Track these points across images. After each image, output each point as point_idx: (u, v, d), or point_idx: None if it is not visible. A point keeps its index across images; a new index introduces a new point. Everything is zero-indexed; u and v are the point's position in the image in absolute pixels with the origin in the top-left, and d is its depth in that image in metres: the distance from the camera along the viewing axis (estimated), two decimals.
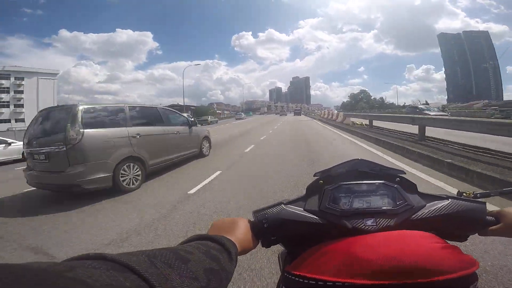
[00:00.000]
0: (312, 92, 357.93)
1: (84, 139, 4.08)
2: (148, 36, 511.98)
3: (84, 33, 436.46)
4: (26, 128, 4.91)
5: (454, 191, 0.90)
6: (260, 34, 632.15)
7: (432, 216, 0.60)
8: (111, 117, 4.75)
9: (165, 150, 5.73)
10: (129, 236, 2.86)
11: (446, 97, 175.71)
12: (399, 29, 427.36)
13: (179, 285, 0.33)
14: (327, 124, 20.13)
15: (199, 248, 0.43)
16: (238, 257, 0.51)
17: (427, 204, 0.62)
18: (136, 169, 4.78)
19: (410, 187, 0.66)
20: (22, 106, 58.84)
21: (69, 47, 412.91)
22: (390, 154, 6.85)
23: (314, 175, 0.72)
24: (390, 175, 0.68)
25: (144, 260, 0.32)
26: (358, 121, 16.70)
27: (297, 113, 65.19)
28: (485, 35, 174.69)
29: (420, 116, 9.62)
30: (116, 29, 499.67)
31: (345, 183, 0.66)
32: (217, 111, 79.99)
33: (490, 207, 0.62)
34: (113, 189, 4.38)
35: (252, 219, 0.65)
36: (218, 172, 5.65)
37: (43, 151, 4.25)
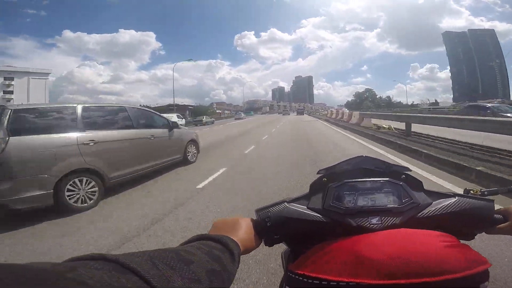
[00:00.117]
0: (315, 92, 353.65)
1: (9, 149, 3.19)
2: (151, 36, 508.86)
3: (87, 34, 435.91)
4: None
5: None
6: (263, 33, 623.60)
7: (438, 214, 0.58)
8: (55, 120, 3.79)
9: (135, 159, 4.69)
10: None
11: (452, 96, 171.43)
12: (402, 28, 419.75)
13: (180, 286, 0.32)
14: (338, 126, 16.00)
15: (201, 248, 0.42)
16: (240, 256, 0.50)
17: (434, 202, 0.60)
18: (91, 184, 3.81)
19: (416, 184, 0.63)
20: None
21: (72, 47, 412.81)
22: None
23: (318, 173, 0.69)
24: (396, 172, 0.66)
25: (146, 261, 0.31)
26: (382, 123, 12.49)
27: (300, 112, 62.91)
28: (490, 33, 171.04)
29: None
30: (119, 30, 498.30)
31: (349, 180, 0.63)
32: (217, 111, 76.26)
33: (498, 205, 0.60)
34: (60, 208, 3.47)
35: (254, 218, 0.63)
36: (203, 184, 4.59)
37: None
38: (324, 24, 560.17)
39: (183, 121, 28.39)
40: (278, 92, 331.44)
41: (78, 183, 3.67)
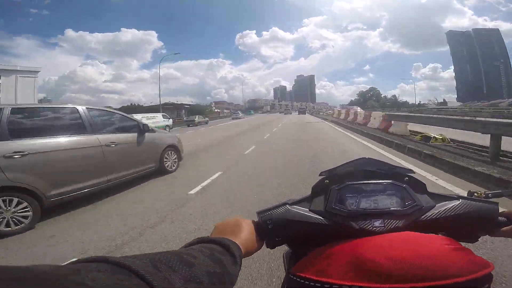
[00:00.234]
0: (317, 91, 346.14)
1: None
2: (153, 35, 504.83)
3: (89, 33, 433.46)
4: None
5: None
6: (264, 32, 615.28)
7: (442, 217, 0.57)
8: None
9: (87, 172, 3.79)
10: None
11: (456, 95, 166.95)
12: (405, 28, 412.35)
13: None
14: (355, 133, 11.53)
15: (203, 251, 0.42)
16: (242, 258, 0.49)
17: (437, 205, 0.59)
18: (21, 205, 3.12)
19: (420, 187, 0.62)
20: None
21: (75, 46, 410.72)
22: None
23: (320, 175, 0.68)
24: (399, 174, 0.64)
25: (148, 263, 0.31)
26: (425, 130, 8.45)
27: (302, 111, 60.96)
28: (495, 33, 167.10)
29: None
30: (121, 29, 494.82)
31: (351, 182, 0.62)
32: (216, 110, 72.22)
33: (502, 207, 0.60)
34: None
35: (256, 220, 0.62)
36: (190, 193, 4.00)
37: None
38: (326, 23, 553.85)
39: (169, 122, 24.83)
40: (279, 91, 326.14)
41: (1, 204, 2.97)
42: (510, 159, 5.02)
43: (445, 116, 9.84)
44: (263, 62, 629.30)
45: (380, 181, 0.62)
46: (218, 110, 73.24)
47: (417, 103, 69.32)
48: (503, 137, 4.87)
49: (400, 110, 47.70)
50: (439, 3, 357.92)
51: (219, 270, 0.39)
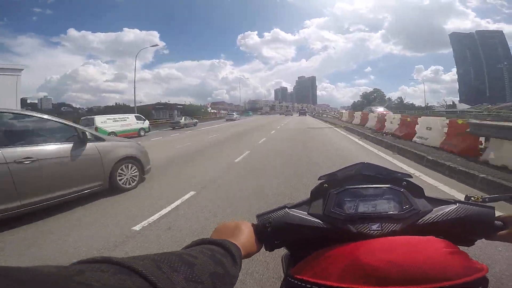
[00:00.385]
0: (318, 93, 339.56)
1: None
2: (154, 35, 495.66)
3: (92, 33, 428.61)
4: None
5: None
6: (266, 33, 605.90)
7: (439, 221, 0.57)
8: None
9: None
10: None
11: (458, 98, 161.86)
12: (407, 30, 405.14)
13: None
14: (405, 156, 6.75)
15: (204, 252, 0.42)
16: (242, 259, 0.50)
17: (434, 209, 0.59)
18: None
19: (417, 191, 0.62)
20: None
21: (77, 46, 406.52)
22: None
23: (319, 179, 0.68)
24: (397, 179, 0.64)
25: (150, 264, 0.31)
26: None
27: (302, 113, 58.59)
28: (499, 35, 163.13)
29: None
30: (124, 29, 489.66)
31: (350, 187, 0.62)
32: (212, 111, 67.08)
33: (499, 212, 0.59)
34: None
35: (255, 223, 0.62)
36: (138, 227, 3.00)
37: None
38: (328, 25, 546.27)
39: (145, 124, 20.42)
40: (280, 93, 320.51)
41: None
42: None
43: None
44: (264, 63, 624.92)
45: (378, 185, 0.61)
46: (215, 111, 67.87)
47: (425, 106, 64.18)
48: None
49: (406, 113, 42.94)
50: (441, 5, 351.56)
51: (221, 271, 0.39)
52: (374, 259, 0.47)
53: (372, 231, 0.55)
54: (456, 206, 0.58)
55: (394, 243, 0.50)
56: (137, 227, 2.98)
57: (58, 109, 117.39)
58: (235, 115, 44.84)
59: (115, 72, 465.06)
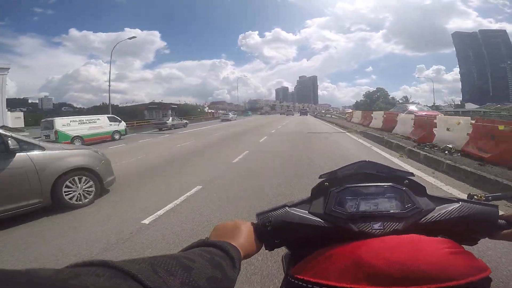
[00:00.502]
0: (320, 92, 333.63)
1: None
2: (155, 35, 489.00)
3: (93, 32, 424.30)
4: None
5: None
6: (267, 33, 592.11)
7: (441, 220, 0.56)
8: None
9: None
10: None
11: (460, 97, 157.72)
12: (409, 29, 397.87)
13: None
14: None
15: (202, 255, 0.40)
16: (241, 261, 0.48)
17: (437, 207, 0.58)
18: None
19: (419, 189, 0.61)
20: None
21: (78, 46, 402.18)
22: None
23: (320, 177, 0.66)
24: (399, 177, 0.62)
25: (147, 268, 0.31)
26: None
27: (303, 112, 56.90)
28: (502, 34, 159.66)
29: None
30: (125, 28, 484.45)
31: (351, 185, 0.61)
32: (210, 110, 63.39)
33: (502, 211, 0.58)
34: None
35: (255, 222, 0.61)
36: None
37: None
38: (329, 24, 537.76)
39: (121, 126, 17.63)
40: (281, 92, 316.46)
41: None
42: None
43: None
44: (265, 63, 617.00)
45: (380, 184, 0.60)
46: (212, 111, 64.14)
47: (431, 105, 60.44)
48: None
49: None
50: (443, 5, 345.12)
51: (219, 275, 0.38)
52: (376, 259, 0.45)
53: (374, 230, 0.54)
54: (459, 204, 0.57)
55: (397, 242, 0.49)
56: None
57: (59, 109, 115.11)
58: (230, 115, 42.15)
59: (116, 72, 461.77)
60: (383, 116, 12.94)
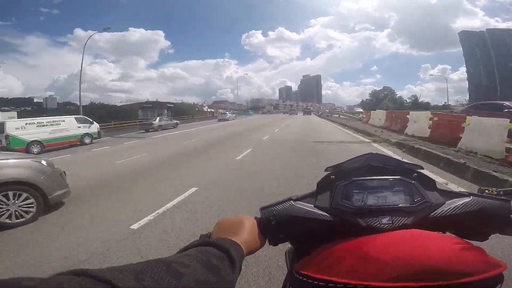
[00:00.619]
0: (323, 92, 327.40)
1: None
2: (160, 35, 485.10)
3: (98, 32, 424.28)
4: None
5: None
6: (270, 33, 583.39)
7: (452, 214, 0.53)
8: None
9: None
10: None
11: (467, 97, 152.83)
12: (414, 28, 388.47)
13: None
14: None
15: (198, 257, 0.38)
16: (244, 258, 0.47)
17: (447, 202, 0.55)
18: None
19: (429, 183, 0.58)
20: None
21: (83, 46, 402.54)
22: None
23: (325, 170, 0.64)
24: (407, 170, 0.60)
25: (129, 276, 0.29)
26: None
27: (307, 112, 55.86)
28: (510, 33, 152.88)
29: None
30: (129, 28, 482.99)
31: (358, 178, 0.58)
32: (209, 110, 60.08)
33: None
34: None
35: (259, 216, 0.59)
36: None
37: None
38: (333, 24, 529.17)
39: (92, 129, 15.28)
40: (285, 91, 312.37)
41: None
42: None
43: None
44: (269, 62, 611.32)
45: (388, 177, 0.58)
46: (212, 110, 60.90)
47: (442, 105, 56.44)
48: None
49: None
50: (448, 4, 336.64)
51: (213, 279, 0.36)
52: (384, 254, 0.43)
53: (382, 225, 0.51)
54: (470, 199, 0.54)
55: (406, 237, 0.46)
56: None
57: (64, 108, 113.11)
58: (228, 114, 39.48)
59: (120, 72, 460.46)
60: (430, 119, 8.69)
